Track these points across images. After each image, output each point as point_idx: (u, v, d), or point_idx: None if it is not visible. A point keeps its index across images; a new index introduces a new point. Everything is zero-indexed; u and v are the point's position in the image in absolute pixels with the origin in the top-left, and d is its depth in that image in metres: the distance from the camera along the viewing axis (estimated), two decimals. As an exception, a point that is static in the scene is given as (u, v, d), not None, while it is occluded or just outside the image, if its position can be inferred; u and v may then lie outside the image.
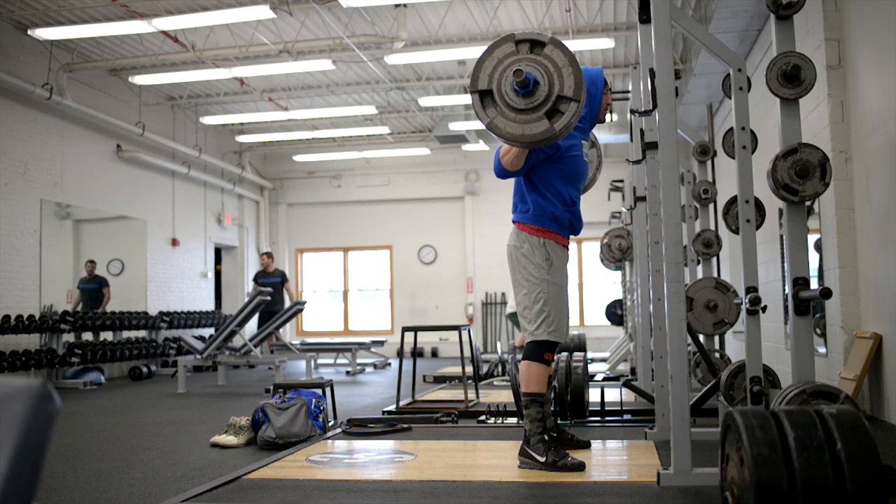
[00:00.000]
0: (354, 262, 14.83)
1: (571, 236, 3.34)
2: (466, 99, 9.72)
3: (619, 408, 4.63)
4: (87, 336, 9.06)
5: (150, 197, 10.94)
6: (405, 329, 5.50)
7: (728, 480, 1.87)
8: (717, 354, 4.68)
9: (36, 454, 0.91)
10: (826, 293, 2.66)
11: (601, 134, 10.51)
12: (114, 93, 10.09)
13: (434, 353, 13.61)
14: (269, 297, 8.30)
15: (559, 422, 4.07)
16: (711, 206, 5.16)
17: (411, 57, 8.92)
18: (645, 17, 3.29)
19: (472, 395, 5.53)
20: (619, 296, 10.30)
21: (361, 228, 14.48)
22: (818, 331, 5.25)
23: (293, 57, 8.88)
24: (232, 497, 2.83)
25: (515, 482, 2.95)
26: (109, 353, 8.84)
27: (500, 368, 7.79)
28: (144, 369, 9.31)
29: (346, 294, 14.82)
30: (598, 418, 4.44)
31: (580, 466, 3.07)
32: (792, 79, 2.77)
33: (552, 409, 3.75)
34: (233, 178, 13.23)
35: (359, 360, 10.75)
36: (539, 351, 3.20)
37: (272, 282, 10.57)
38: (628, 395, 5.21)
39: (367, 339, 11.26)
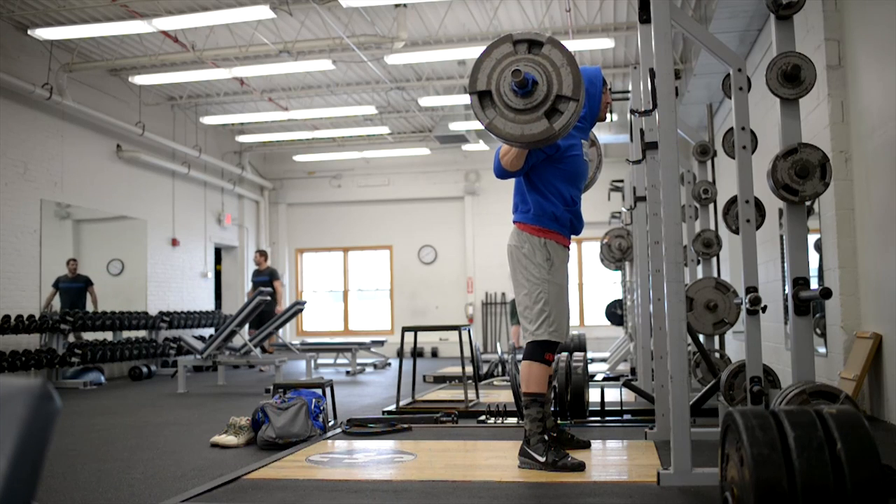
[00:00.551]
0: (354, 262, 14.83)
1: (572, 236, 3.35)
2: (466, 99, 9.69)
3: (619, 408, 4.63)
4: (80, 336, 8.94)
5: (150, 197, 10.94)
6: (405, 329, 5.50)
7: (728, 480, 1.87)
8: (717, 354, 4.68)
9: (36, 454, 0.91)
10: (826, 293, 2.66)
11: (601, 134, 10.51)
12: (114, 93, 10.10)
13: (434, 353, 13.61)
14: (269, 298, 8.30)
15: (559, 422, 4.07)
16: (711, 206, 5.17)
17: (411, 57, 8.92)
18: (645, 17, 3.29)
19: (472, 395, 5.53)
20: (619, 296, 10.30)
21: (361, 228, 14.48)
22: (818, 331, 5.24)
23: (293, 57, 8.88)
24: (232, 497, 2.83)
25: (515, 482, 2.95)
26: (109, 353, 8.84)
27: (500, 368, 7.78)
28: (144, 369, 9.31)
29: (346, 294, 14.82)
30: (598, 418, 4.43)
31: (580, 466, 3.06)
32: (792, 79, 2.77)
33: (552, 409, 3.75)
34: (233, 178, 13.23)
35: (359, 360, 10.75)
36: (539, 351, 3.20)
37: (261, 280, 10.56)
38: (628, 395, 5.20)
39: (366, 339, 11.26)
